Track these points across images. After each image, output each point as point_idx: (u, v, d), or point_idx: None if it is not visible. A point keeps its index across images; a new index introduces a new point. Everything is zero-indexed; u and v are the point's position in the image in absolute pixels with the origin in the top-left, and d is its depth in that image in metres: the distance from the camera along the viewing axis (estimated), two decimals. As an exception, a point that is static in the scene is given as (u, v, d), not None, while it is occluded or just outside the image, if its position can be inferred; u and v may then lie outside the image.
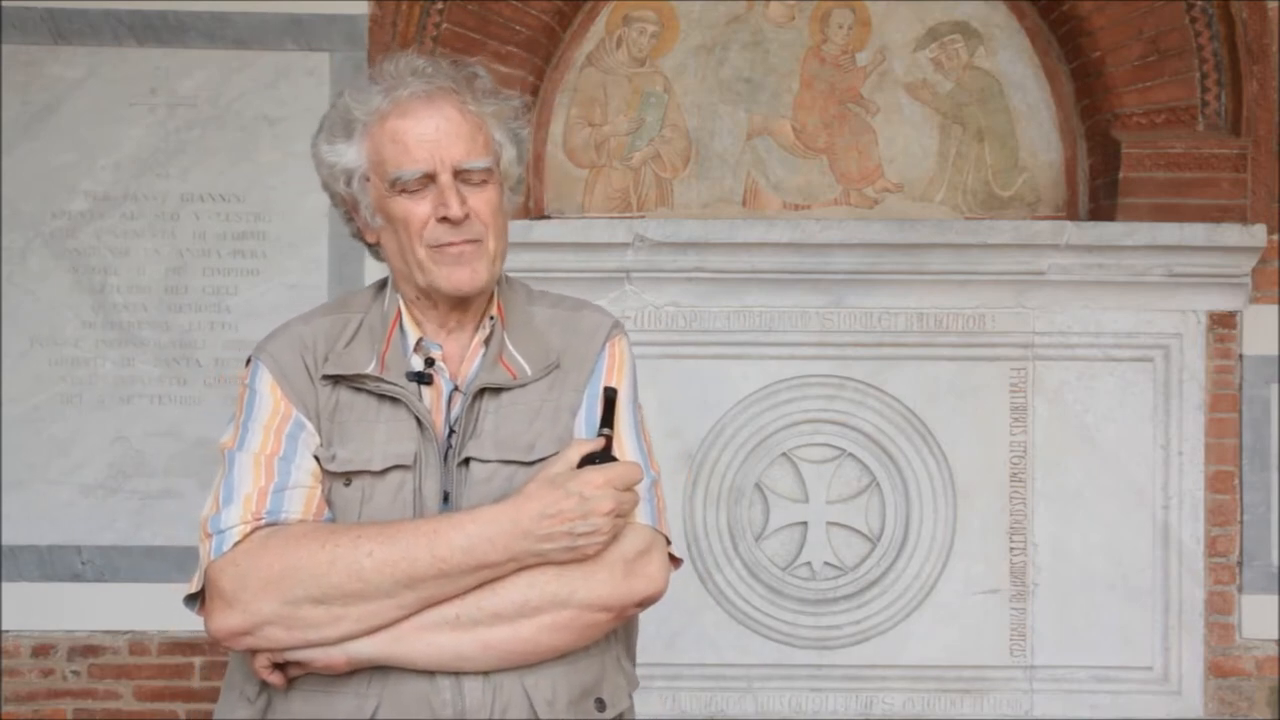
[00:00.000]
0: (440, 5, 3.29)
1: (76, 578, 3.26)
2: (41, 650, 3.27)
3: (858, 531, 3.33)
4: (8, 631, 3.26)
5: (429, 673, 1.30)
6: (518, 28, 3.32)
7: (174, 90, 3.30)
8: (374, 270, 3.21)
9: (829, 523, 3.32)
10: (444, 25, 3.29)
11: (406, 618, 1.29)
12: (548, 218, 3.47)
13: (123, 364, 3.29)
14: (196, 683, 3.27)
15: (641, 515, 1.38)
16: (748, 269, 3.26)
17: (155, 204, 3.30)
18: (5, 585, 3.24)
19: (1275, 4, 3.31)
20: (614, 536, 1.33)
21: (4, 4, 3.25)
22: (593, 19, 3.53)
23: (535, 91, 3.44)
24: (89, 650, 3.27)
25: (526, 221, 3.27)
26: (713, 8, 3.53)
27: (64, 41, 3.28)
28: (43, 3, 3.26)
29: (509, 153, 1.47)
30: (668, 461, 3.27)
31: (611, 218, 3.45)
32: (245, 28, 3.29)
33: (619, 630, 1.44)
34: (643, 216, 3.47)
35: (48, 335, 3.28)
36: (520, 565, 1.30)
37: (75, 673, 3.27)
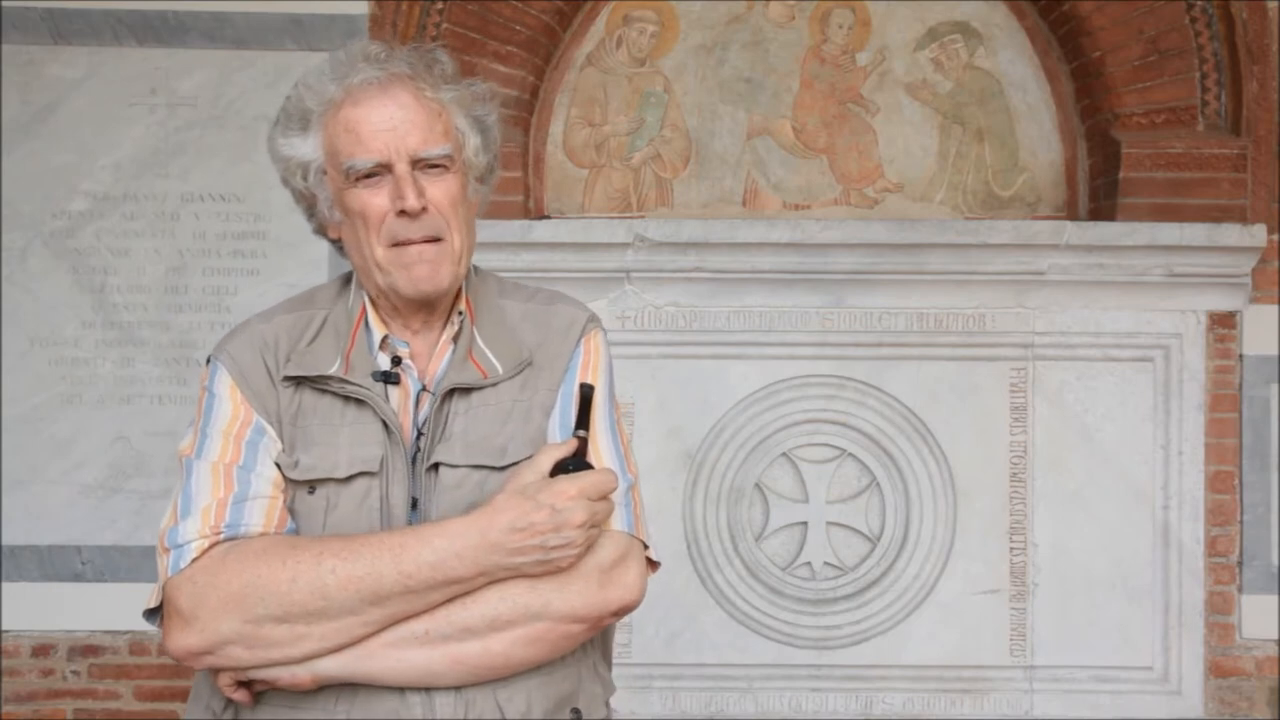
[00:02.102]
0: (440, 5, 3.29)
1: (76, 578, 3.26)
2: (41, 650, 3.27)
3: (858, 531, 3.32)
4: (8, 631, 3.26)
5: (399, 688, 1.26)
6: (518, 27, 3.32)
7: (174, 90, 3.30)
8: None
9: (829, 523, 3.32)
10: (444, 25, 3.29)
11: (372, 634, 1.24)
12: (548, 218, 3.47)
13: (123, 364, 3.29)
14: (196, 683, 3.27)
15: (617, 522, 1.32)
16: (748, 269, 3.25)
17: (155, 204, 3.30)
18: (5, 585, 3.24)
19: (1275, 4, 3.31)
20: (588, 546, 1.28)
21: (4, 4, 3.25)
22: (593, 19, 3.53)
23: (535, 91, 3.44)
24: (89, 650, 3.27)
25: (526, 221, 3.27)
26: (713, 8, 3.53)
27: (64, 41, 3.28)
28: (43, 3, 3.26)
29: (472, 141, 1.39)
30: (668, 461, 3.27)
31: (611, 218, 3.45)
32: (245, 28, 3.29)
33: (595, 637, 1.39)
34: (643, 216, 3.47)
35: (48, 335, 3.28)
36: (491, 579, 1.25)
37: (75, 673, 3.26)
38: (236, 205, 3.30)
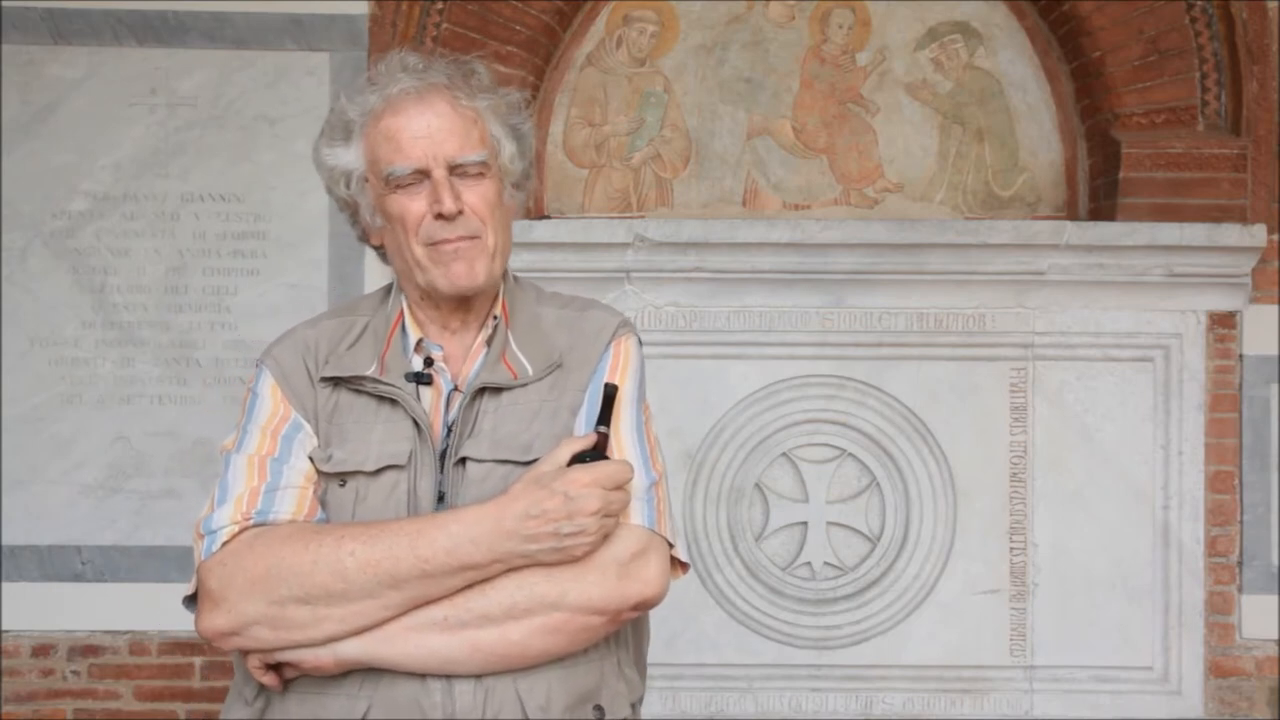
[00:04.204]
0: (440, 5, 3.29)
1: (76, 578, 3.26)
2: (41, 650, 3.27)
3: (858, 531, 3.33)
4: (8, 631, 3.26)
5: (420, 675, 1.29)
6: (518, 28, 3.32)
7: (174, 90, 3.30)
8: (374, 270, 3.22)
9: (829, 523, 3.32)
10: (444, 25, 3.29)
11: (392, 619, 1.28)
12: (548, 218, 3.47)
13: (123, 364, 3.29)
14: (196, 683, 3.27)
15: (638, 516, 1.35)
16: (748, 269, 3.25)
17: (155, 204, 3.30)
18: (5, 585, 3.24)
19: (1275, 4, 3.31)
20: (606, 538, 1.31)
21: (4, 4, 3.25)
22: (593, 19, 3.53)
23: (535, 91, 3.44)
24: (89, 650, 3.27)
25: (526, 221, 3.26)
26: (713, 8, 3.53)
27: (64, 41, 3.28)
28: (43, 3, 3.26)
29: (508, 148, 1.46)
30: (668, 462, 3.26)
31: (611, 218, 3.45)
32: (245, 28, 3.29)
33: (624, 636, 1.42)
34: (643, 216, 3.47)
35: (48, 335, 3.28)
36: (507, 566, 1.28)
37: (75, 673, 3.27)
38: (236, 205, 3.30)
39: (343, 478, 1.36)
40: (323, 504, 1.36)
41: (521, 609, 1.28)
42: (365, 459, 1.36)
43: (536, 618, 1.28)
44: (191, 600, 1.35)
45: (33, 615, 3.25)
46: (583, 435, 1.36)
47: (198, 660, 3.26)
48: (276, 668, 1.32)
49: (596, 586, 1.30)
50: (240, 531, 1.31)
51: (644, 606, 1.34)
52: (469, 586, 1.28)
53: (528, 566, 1.29)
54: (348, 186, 1.44)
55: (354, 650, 1.28)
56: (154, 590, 3.23)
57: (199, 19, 3.28)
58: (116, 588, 3.26)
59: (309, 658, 1.29)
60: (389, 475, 1.36)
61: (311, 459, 1.37)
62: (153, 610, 3.21)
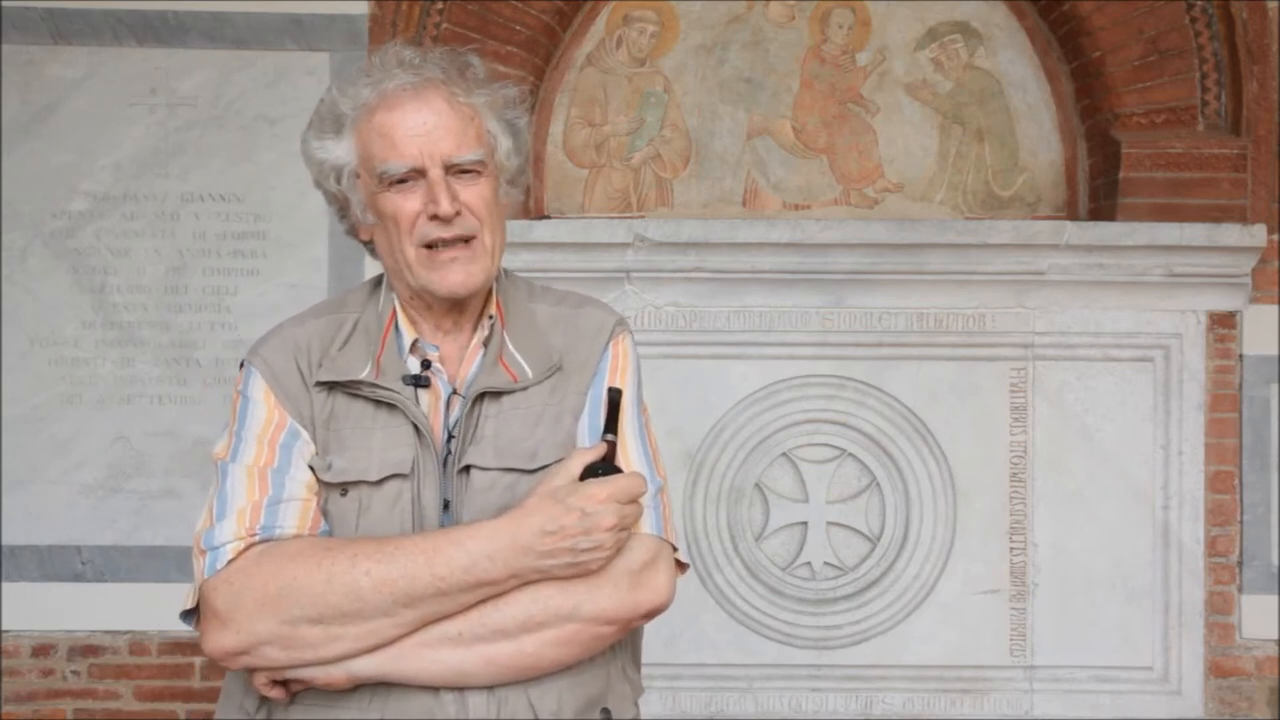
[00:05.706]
0: (440, 5, 3.29)
1: (76, 578, 3.26)
2: (41, 650, 3.27)
3: (858, 531, 3.33)
4: (8, 631, 3.26)
5: (433, 687, 1.28)
6: (518, 28, 3.32)
7: (174, 90, 3.30)
8: (374, 270, 3.21)
9: (829, 523, 3.32)
10: (444, 25, 3.29)
11: (405, 636, 1.26)
12: (548, 218, 3.47)
13: (123, 364, 3.29)
14: (196, 683, 3.27)
15: (646, 525, 1.34)
16: (748, 269, 3.25)
17: (155, 204, 3.30)
18: (5, 585, 3.24)
19: (1275, 4, 3.31)
20: (618, 549, 1.30)
21: (4, 4, 3.25)
22: (593, 19, 3.53)
23: (535, 91, 3.44)
24: (89, 650, 3.27)
25: (526, 221, 3.27)
26: (713, 8, 3.53)
27: (64, 41, 3.28)
28: (43, 3, 3.26)
29: (504, 144, 1.41)
30: (668, 461, 3.25)
31: (611, 218, 3.45)
32: (245, 28, 3.29)
33: (626, 639, 1.41)
34: (643, 216, 3.47)
35: (48, 335, 3.28)
36: (522, 581, 1.27)
37: (75, 673, 3.27)
38: (236, 205, 3.30)
39: (345, 487, 1.33)
40: (324, 514, 1.33)
41: (536, 622, 1.27)
42: (367, 468, 1.33)
43: (550, 630, 1.28)
44: (188, 615, 1.32)
45: (33, 615, 3.25)
46: (591, 445, 1.35)
47: (198, 660, 3.26)
48: (283, 681, 1.29)
49: (610, 598, 1.29)
50: (246, 548, 1.28)
51: (654, 614, 1.34)
52: (482, 601, 1.27)
53: (541, 580, 1.28)
54: (338, 181, 1.40)
55: (367, 667, 1.26)
56: (154, 590, 3.22)
57: (199, 19, 3.28)
58: (116, 588, 3.26)
59: (321, 675, 1.27)
60: (392, 484, 1.33)
61: (311, 468, 1.34)
62: (153, 610, 3.21)
